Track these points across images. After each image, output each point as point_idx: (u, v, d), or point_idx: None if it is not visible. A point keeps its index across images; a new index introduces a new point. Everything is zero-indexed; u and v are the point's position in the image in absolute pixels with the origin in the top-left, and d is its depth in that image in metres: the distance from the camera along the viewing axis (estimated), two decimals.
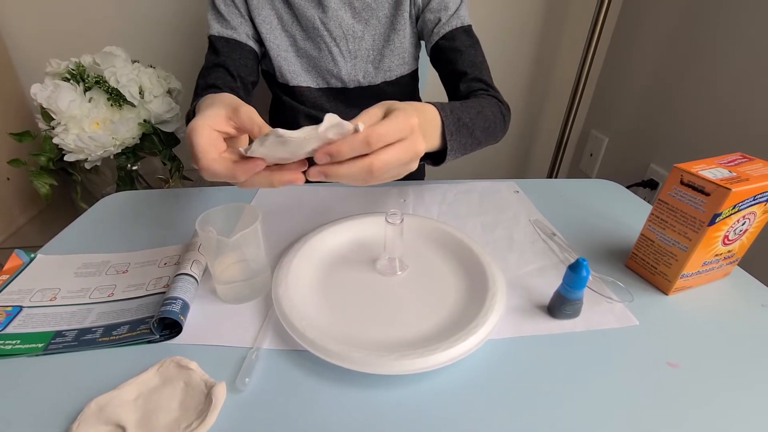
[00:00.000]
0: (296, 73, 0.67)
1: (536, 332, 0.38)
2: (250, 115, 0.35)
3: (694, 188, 0.38)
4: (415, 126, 0.35)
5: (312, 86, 0.68)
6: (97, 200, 0.61)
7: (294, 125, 0.46)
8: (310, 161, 0.34)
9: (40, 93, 0.79)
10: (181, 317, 0.37)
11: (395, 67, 0.69)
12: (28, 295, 0.42)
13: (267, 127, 0.34)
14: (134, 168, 0.95)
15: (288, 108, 0.71)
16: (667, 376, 0.34)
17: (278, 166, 0.35)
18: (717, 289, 0.44)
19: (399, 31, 0.66)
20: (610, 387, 0.33)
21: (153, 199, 0.61)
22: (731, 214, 0.38)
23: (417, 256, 0.47)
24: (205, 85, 0.61)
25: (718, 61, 0.91)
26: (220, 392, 0.31)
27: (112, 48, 0.85)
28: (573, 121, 1.25)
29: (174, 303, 0.37)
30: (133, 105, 0.84)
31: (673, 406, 0.32)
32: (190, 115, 0.49)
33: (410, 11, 0.66)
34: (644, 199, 0.63)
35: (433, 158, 0.49)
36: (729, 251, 0.42)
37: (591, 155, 1.35)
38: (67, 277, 0.45)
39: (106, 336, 0.37)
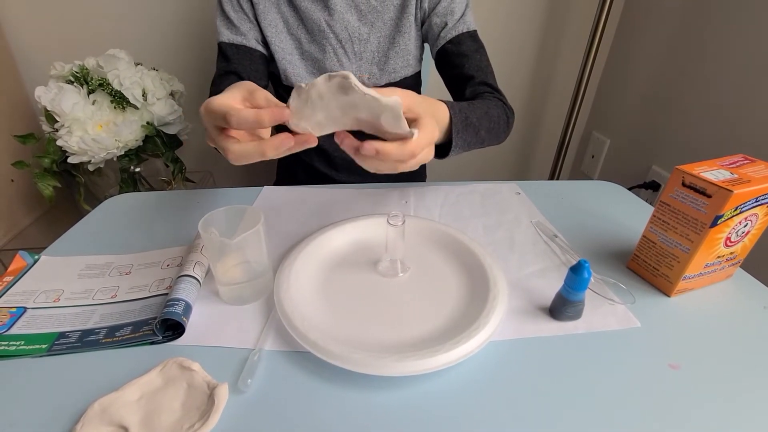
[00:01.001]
0: (301, 75, 0.67)
1: (538, 334, 0.38)
2: (266, 96, 0.36)
3: (696, 190, 0.38)
4: (435, 137, 0.39)
5: None
6: (100, 202, 0.62)
7: None
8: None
9: (44, 96, 0.80)
10: (184, 318, 0.37)
11: (400, 69, 0.69)
12: (32, 296, 0.42)
13: (282, 104, 0.35)
14: (137, 170, 0.95)
15: None
16: (669, 378, 0.34)
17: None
18: (719, 290, 0.44)
19: (404, 34, 0.67)
20: (612, 388, 0.33)
21: (155, 200, 0.62)
22: (733, 216, 0.38)
23: (418, 258, 0.47)
24: (218, 92, 0.61)
25: (719, 61, 0.91)
26: (223, 393, 0.31)
27: (115, 51, 0.85)
28: (575, 123, 1.25)
29: (177, 304, 0.37)
30: (136, 107, 0.85)
31: (674, 408, 0.32)
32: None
33: (416, 14, 0.66)
34: (646, 201, 0.63)
35: (437, 151, 0.50)
36: (731, 253, 0.42)
37: (593, 157, 1.35)
38: (70, 279, 0.45)
39: (110, 337, 0.37)
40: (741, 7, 0.86)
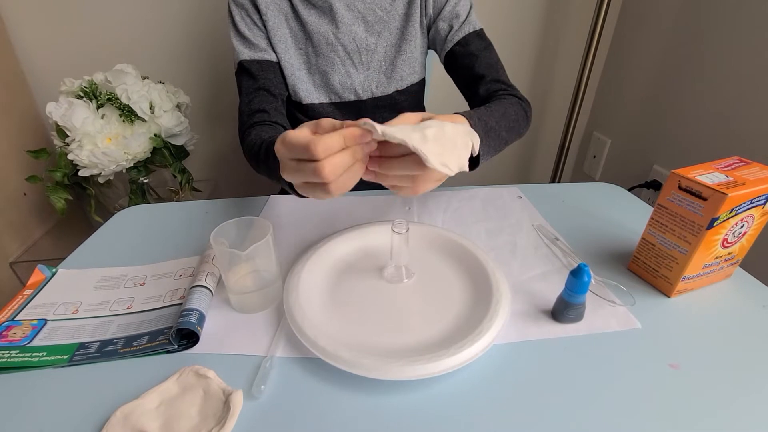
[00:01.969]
0: (308, 91, 0.69)
1: (540, 336, 0.39)
2: (331, 121, 0.36)
3: (692, 193, 0.39)
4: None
5: (324, 102, 0.70)
6: (111, 213, 0.63)
7: None
8: None
9: (55, 111, 0.82)
10: (198, 328, 0.38)
11: (406, 76, 0.71)
12: (52, 308, 0.44)
13: (348, 122, 0.36)
14: (146, 181, 0.97)
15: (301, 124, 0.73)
16: (669, 378, 0.35)
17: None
18: (719, 290, 0.45)
19: (410, 41, 0.68)
20: (613, 389, 0.34)
21: (166, 212, 0.63)
22: (729, 218, 0.39)
23: (423, 264, 0.48)
24: (251, 111, 0.61)
25: (717, 60, 0.92)
26: (238, 399, 0.32)
27: (122, 65, 0.87)
28: (575, 124, 1.25)
29: (191, 314, 0.39)
30: (144, 120, 0.87)
31: (675, 407, 0.32)
32: (271, 151, 0.46)
33: (420, 21, 0.68)
34: (648, 200, 0.64)
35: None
36: (729, 253, 0.43)
37: (594, 157, 1.35)
38: (87, 291, 0.46)
39: (127, 347, 0.38)
40: (738, 8, 0.87)
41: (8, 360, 0.37)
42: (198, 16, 1.06)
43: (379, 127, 0.33)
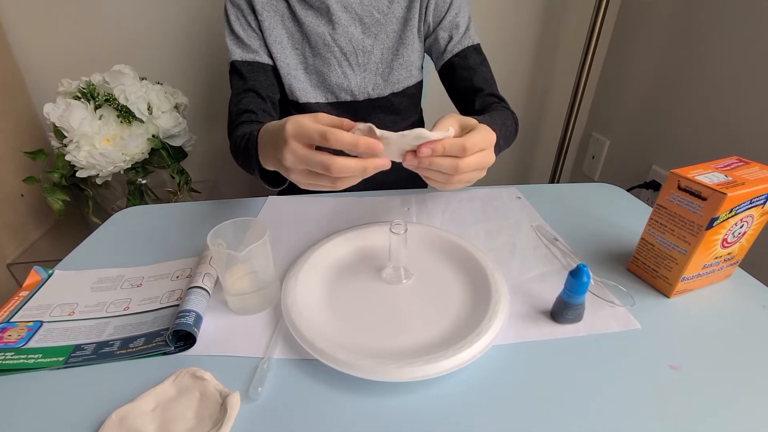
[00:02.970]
0: (305, 90, 0.69)
1: (540, 337, 0.39)
2: (329, 116, 0.39)
3: (691, 193, 0.39)
4: (493, 141, 0.42)
5: (321, 101, 0.70)
6: (108, 214, 0.63)
7: None
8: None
9: (53, 112, 0.82)
10: (195, 329, 0.38)
11: (403, 79, 0.71)
12: (48, 310, 0.44)
13: (348, 122, 0.38)
14: (144, 182, 0.97)
15: None
16: (669, 379, 0.35)
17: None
18: (718, 291, 0.44)
19: (407, 45, 0.69)
20: (613, 390, 0.34)
21: (163, 213, 0.63)
22: (728, 218, 0.38)
23: (421, 265, 0.48)
24: (239, 110, 0.62)
25: (718, 59, 0.92)
26: (235, 402, 0.32)
27: (120, 66, 0.87)
28: (574, 125, 1.25)
29: (188, 315, 0.38)
30: (141, 121, 0.87)
31: (674, 408, 0.32)
32: (251, 144, 0.48)
33: (419, 27, 0.68)
34: (647, 201, 0.64)
35: None
36: (729, 254, 0.43)
37: (593, 158, 1.36)
38: (84, 292, 0.46)
39: (123, 349, 0.38)
40: (736, 8, 0.87)
41: (3, 362, 0.37)
42: (196, 17, 1.06)
43: (379, 132, 0.36)
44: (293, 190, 0.84)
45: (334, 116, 0.39)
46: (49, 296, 0.46)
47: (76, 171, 0.84)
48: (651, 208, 0.45)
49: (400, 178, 0.64)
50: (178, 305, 0.42)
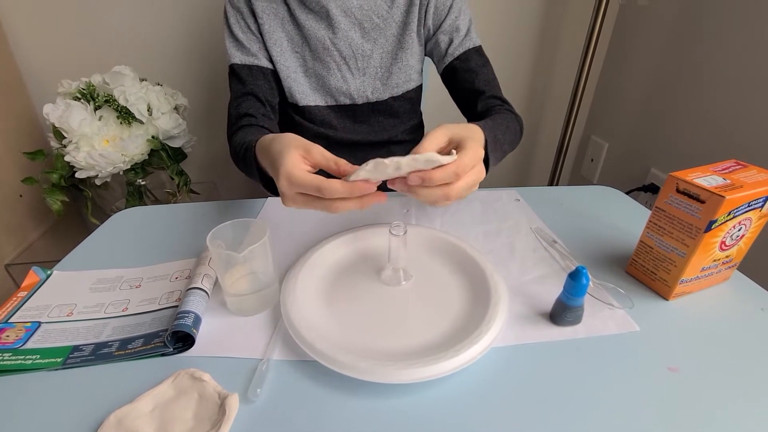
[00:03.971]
0: (305, 93, 0.69)
1: (539, 339, 0.39)
2: (322, 152, 0.39)
3: (690, 196, 0.39)
4: (481, 156, 0.41)
5: (321, 104, 0.70)
6: (107, 215, 0.63)
7: None
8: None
9: (52, 113, 0.82)
10: (194, 330, 0.38)
11: (402, 84, 0.71)
12: (46, 310, 0.44)
13: (340, 160, 0.38)
14: (143, 183, 0.97)
15: (298, 127, 0.73)
16: (668, 381, 0.35)
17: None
18: (717, 293, 0.45)
19: (407, 50, 0.69)
20: (612, 392, 0.34)
21: (163, 214, 0.63)
22: (727, 221, 0.39)
23: (421, 266, 0.48)
24: (239, 114, 0.63)
25: (716, 63, 0.92)
26: (233, 403, 0.32)
27: (120, 67, 0.87)
28: (573, 127, 1.26)
29: (187, 316, 0.38)
30: (141, 122, 0.87)
31: (674, 410, 0.32)
32: (250, 153, 0.49)
33: (418, 31, 0.69)
34: (645, 204, 0.64)
35: None
36: (727, 256, 0.43)
37: (592, 161, 1.36)
38: (82, 293, 0.46)
39: (122, 350, 0.38)
40: (735, 12, 0.87)
41: (1, 363, 0.37)
42: (197, 19, 1.06)
43: (388, 160, 0.35)
44: None
45: (326, 152, 0.39)
46: (48, 297, 0.46)
47: (75, 172, 0.84)
48: (649, 211, 0.45)
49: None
50: (177, 306, 0.42)
